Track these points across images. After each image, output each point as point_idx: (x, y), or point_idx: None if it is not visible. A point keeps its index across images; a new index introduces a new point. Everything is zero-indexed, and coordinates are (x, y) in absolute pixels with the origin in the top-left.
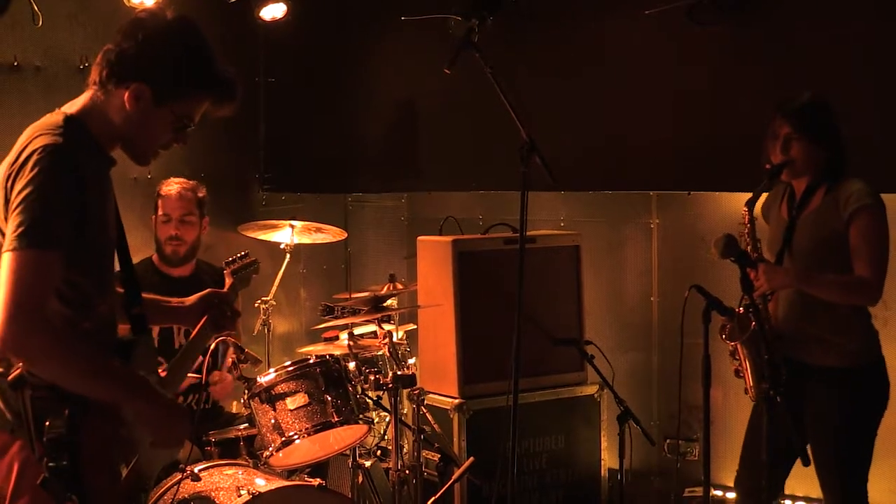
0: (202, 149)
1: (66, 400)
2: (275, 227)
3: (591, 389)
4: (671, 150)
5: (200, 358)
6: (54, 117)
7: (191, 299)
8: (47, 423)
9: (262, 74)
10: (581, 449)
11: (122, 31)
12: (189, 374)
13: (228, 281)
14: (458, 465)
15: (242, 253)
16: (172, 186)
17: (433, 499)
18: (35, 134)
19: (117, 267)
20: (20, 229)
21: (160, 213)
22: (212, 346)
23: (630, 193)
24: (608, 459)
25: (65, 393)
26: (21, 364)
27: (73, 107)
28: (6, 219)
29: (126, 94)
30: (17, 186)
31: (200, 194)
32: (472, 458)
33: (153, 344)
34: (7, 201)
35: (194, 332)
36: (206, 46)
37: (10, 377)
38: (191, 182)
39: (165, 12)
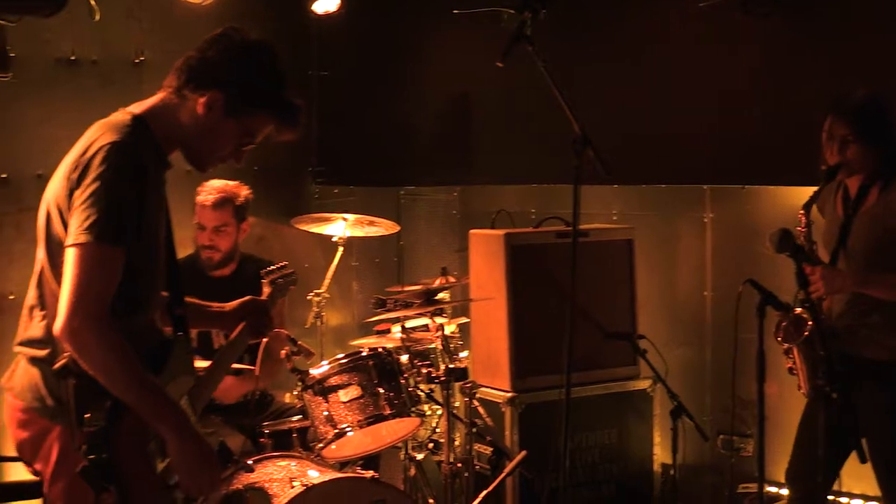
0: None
1: (107, 393)
2: (327, 220)
3: (643, 384)
4: (725, 143)
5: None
6: (121, 116)
7: (230, 305)
8: (88, 415)
9: (315, 68)
10: (633, 443)
11: (207, 40)
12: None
13: (266, 290)
14: (510, 458)
15: (281, 264)
16: (208, 196)
17: (485, 492)
18: (102, 131)
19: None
20: (86, 224)
21: (196, 220)
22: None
23: (683, 187)
24: (660, 454)
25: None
26: (68, 353)
27: (140, 107)
28: (70, 211)
29: (201, 100)
30: (84, 182)
31: (239, 201)
32: (524, 452)
33: (190, 345)
34: (70, 194)
35: (232, 337)
36: (281, 72)
37: (55, 365)
38: (230, 186)
39: (250, 32)
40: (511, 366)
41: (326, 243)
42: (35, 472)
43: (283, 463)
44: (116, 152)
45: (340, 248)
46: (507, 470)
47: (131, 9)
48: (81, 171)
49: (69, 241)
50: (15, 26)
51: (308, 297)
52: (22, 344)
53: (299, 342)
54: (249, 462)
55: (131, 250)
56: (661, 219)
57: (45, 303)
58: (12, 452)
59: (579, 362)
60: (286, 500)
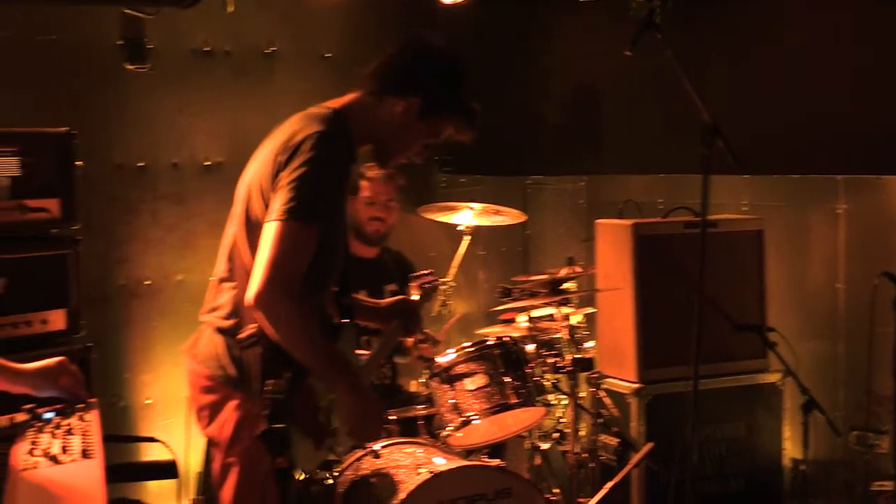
0: None
1: (288, 364)
2: (454, 209)
3: (773, 377)
4: (860, 131)
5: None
6: (322, 110)
7: (384, 302)
8: (271, 383)
9: None
10: (762, 437)
11: (399, 46)
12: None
13: (416, 293)
14: (637, 449)
15: (428, 271)
16: (380, 171)
17: (611, 483)
18: (306, 121)
19: None
20: (290, 204)
21: (365, 194)
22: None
23: (816, 178)
24: (790, 449)
25: (289, 357)
26: (255, 324)
27: (337, 103)
28: (273, 192)
29: (399, 104)
30: (291, 165)
31: (400, 181)
32: (650, 444)
33: (356, 333)
34: (275, 176)
35: (386, 333)
36: (469, 75)
37: (241, 334)
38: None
39: (439, 36)
40: (637, 356)
41: (453, 232)
42: (208, 437)
43: (409, 449)
44: (323, 141)
45: (467, 237)
46: (633, 461)
47: (263, 0)
48: (289, 154)
49: (270, 217)
50: (153, 19)
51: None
52: (209, 313)
53: (426, 330)
54: (376, 448)
55: (321, 234)
56: (793, 210)
57: (236, 275)
58: (150, 433)
59: (707, 354)
60: (413, 487)
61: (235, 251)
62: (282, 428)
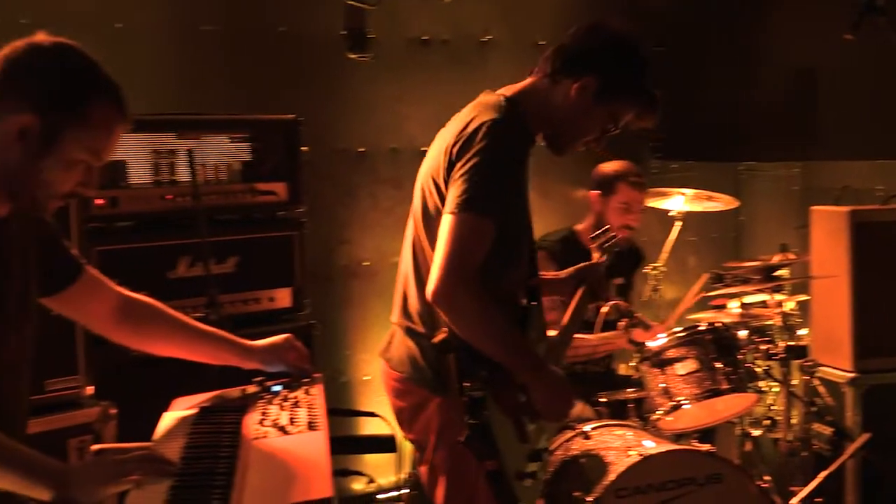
0: None
1: (483, 363)
2: (665, 194)
3: None
4: None
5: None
6: (494, 97)
7: (565, 272)
8: (467, 384)
9: (652, 43)
10: None
11: (580, 30)
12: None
13: (596, 255)
14: (852, 440)
15: (604, 228)
16: (642, 181)
17: (825, 473)
18: (479, 110)
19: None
20: (465, 196)
21: (622, 198)
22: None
23: None
24: None
25: (482, 357)
26: (446, 328)
27: (510, 90)
28: (446, 183)
29: (574, 85)
30: (465, 156)
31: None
32: (867, 434)
33: (542, 312)
34: (449, 167)
35: (574, 303)
36: (646, 63)
37: (435, 339)
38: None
39: (618, 20)
40: (853, 345)
41: (664, 217)
42: (412, 440)
43: (619, 432)
44: (496, 130)
45: (678, 223)
46: (848, 452)
47: None
48: (462, 145)
49: (447, 209)
50: (374, 9)
51: (645, 271)
52: (399, 316)
53: (636, 314)
54: (587, 429)
55: (501, 223)
56: None
57: (422, 275)
58: (369, 407)
59: None
60: (623, 469)
61: (419, 249)
62: (486, 430)
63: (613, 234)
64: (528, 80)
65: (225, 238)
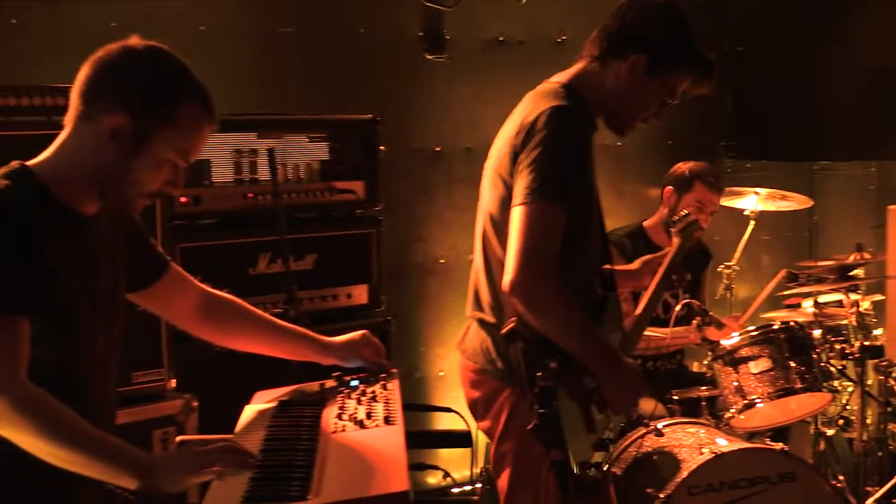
0: (669, 116)
1: (553, 354)
2: (739, 193)
3: None
4: None
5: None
6: (551, 86)
7: (635, 264)
8: (538, 374)
9: (730, 43)
10: None
11: (620, 8)
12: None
13: (676, 240)
14: None
15: (684, 213)
16: (718, 182)
17: None
18: (538, 99)
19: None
20: (533, 185)
21: (696, 196)
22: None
23: None
24: None
25: (552, 347)
26: (514, 318)
27: (563, 77)
28: (512, 174)
29: (623, 65)
30: (529, 145)
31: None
32: None
33: (619, 300)
34: (514, 158)
35: (649, 291)
36: (690, 25)
37: (503, 329)
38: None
39: None
40: None
41: (738, 216)
42: (484, 429)
43: (691, 429)
44: (558, 116)
45: (752, 222)
46: None
47: None
48: (525, 135)
49: (516, 201)
50: (451, 11)
51: (718, 269)
52: (473, 308)
53: (710, 313)
54: (659, 426)
55: (571, 209)
56: None
57: (492, 268)
58: (444, 402)
59: None
60: (695, 466)
61: (487, 243)
62: (554, 420)
63: (694, 218)
64: (579, 66)
65: (304, 235)
